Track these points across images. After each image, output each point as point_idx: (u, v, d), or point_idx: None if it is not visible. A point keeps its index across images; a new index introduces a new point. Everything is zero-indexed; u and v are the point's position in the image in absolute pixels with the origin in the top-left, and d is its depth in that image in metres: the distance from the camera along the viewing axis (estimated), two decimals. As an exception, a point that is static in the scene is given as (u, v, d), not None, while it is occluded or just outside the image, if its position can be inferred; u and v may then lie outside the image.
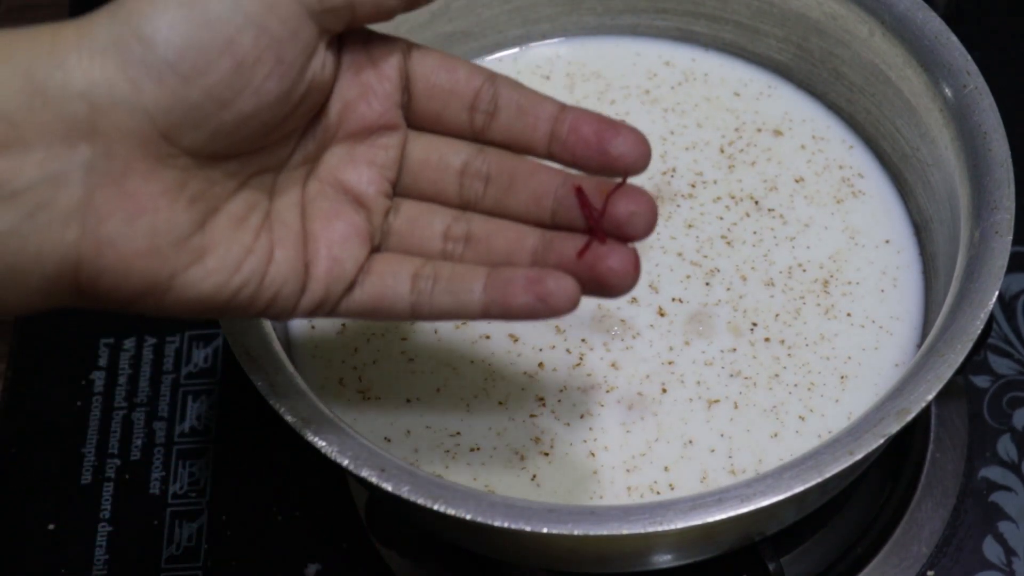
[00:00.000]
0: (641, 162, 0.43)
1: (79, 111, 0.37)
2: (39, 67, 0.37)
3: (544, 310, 0.42)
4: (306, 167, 0.44)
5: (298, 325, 0.59)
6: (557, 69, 0.67)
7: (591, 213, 0.43)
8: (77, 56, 0.37)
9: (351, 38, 0.44)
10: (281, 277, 0.42)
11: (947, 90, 0.56)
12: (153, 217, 0.38)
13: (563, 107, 0.44)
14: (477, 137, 0.45)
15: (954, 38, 0.57)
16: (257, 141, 0.41)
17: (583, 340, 0.57)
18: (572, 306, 0.42)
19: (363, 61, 0.44)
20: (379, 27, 0.44)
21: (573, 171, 0.45)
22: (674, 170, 0.63)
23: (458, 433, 0.56)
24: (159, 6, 0.38)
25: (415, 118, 0.45)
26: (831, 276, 0.59)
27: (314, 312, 0.43)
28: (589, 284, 0.43)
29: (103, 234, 0.38)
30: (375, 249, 0.45)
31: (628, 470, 0.54)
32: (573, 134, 0.44)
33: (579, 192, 0.44)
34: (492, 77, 0.45)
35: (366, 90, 0.44)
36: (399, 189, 0.46)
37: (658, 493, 0.54)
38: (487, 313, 0.43)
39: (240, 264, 0.41)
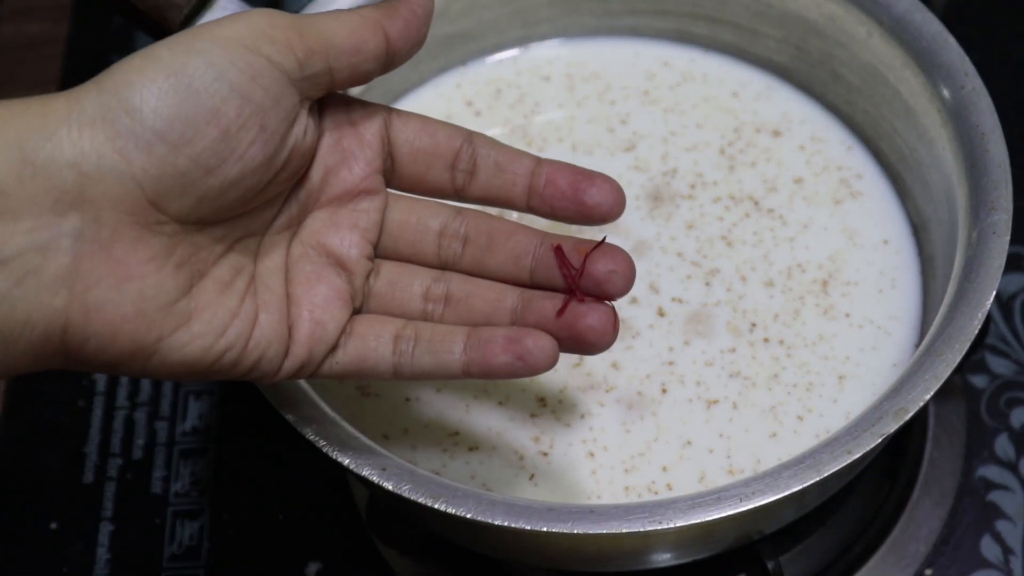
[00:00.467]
0: (616, 209, 0.45)
1: (68, 180, 0.38)
2: (29, 139, 0.38)
3: (523, 369, 0.43)
4: (290, 231, 0.45)
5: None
6: (556, 70, 0.67)
7: (570, 272, 0.44)
8: (67, 128, 0.38)
9: (332, 106, 0.45)
10: (265, 341, 0.43)
11: (945, 91, 0.56)
12: (140, 283, 0.39)
13: (539, 161, 0.46)
14: (459, 195, 0.46)
15: (952, 39, 0.57)
16: (242, 206, 0.42)
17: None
18: (550, 364, 0.43)
19: (344, 128, 0.45)
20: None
21: (551, 231, 0.46)
22: (675, 171, 0.63)
23: (456, 433, 0.56)
24: (146, 77, 0.39)
25: (400, 181, 0.46)
26: (830, 276, 0.59)
27: (297, 374, 0.44)
28: (568, 342, 0.44)
29: (91, 300, 0.39)
30: (356, 311, 0.45)
31: (626, 470, 0.54)
32: (550, 187, 0.45)
33: (558, 251, 0.45)
34: (470, 137, 0.46)
35: (347, 156, 0.45)
36: (379, 251, 0.47)
37: (656, 493, 0.54)
38: (467, 372, 0.44)
39: (226, 328, 0.42)
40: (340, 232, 0.45)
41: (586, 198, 0.45)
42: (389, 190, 0.47)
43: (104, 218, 0.38)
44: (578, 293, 0.44)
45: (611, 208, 0.45)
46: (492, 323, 0.45)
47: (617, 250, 0.45)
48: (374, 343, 0.45)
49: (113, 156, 0.38)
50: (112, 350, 0.40)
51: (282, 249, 0.44)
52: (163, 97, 0.39)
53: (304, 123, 0.43)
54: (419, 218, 0.47)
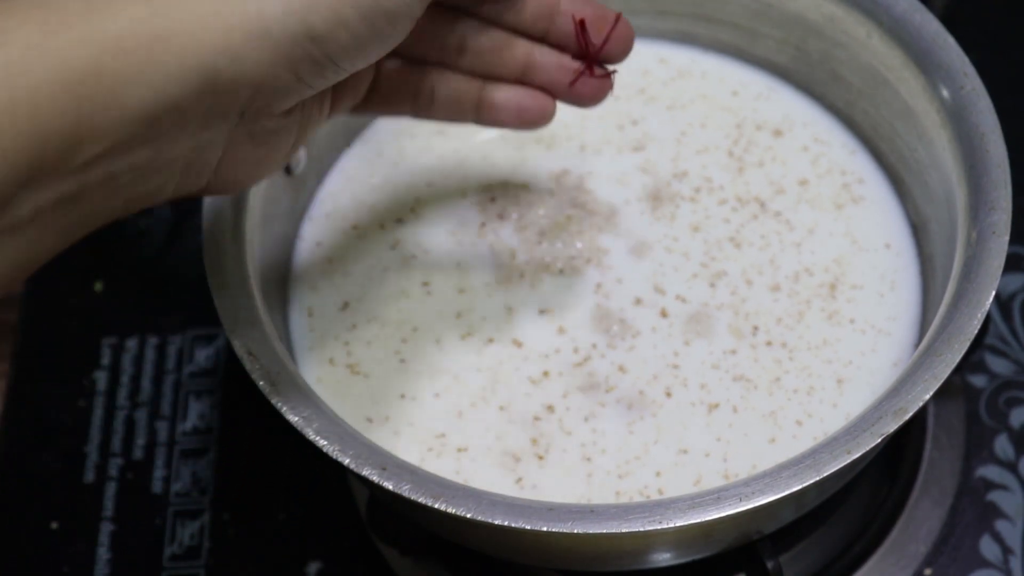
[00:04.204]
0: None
1: (243, 97, 0.41)
2: (215, 60, 0.39)
3: (527, 126, 0.52)
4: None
5: (299, 306, 0.59)
6: (557, 70, 0.67)
7: (589, 48, 0.50)
8: (252, 47, 0.40)
9: None
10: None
11: (945, 91, 0.56)
12: (270, 164, 0.46)
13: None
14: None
15: (951, 40, 0.57)
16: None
17: (593, 345, 0.58)
18: (548, 121, 0.52)
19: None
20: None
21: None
22: (686, 173, 0.63)
23: (443, 435, 0.56)
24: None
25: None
26: (836, 280, 0.59)
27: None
28: (568, 98, 0.52)
29: (228, 177, 0.45)
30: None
31: (620, 475, 0.54)
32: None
33: (582, 25, 0.50)
34: None
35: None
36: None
37: (648, 498, 0.54)
38: (478, 122, 0.52)
39: None
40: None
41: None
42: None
43: (260, 111, 0.42)
44: (592, 69, 0.51)
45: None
46: (498, 73, 0.51)
47: (628, 28, 0.51)
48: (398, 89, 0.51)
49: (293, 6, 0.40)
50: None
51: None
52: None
53: None
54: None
